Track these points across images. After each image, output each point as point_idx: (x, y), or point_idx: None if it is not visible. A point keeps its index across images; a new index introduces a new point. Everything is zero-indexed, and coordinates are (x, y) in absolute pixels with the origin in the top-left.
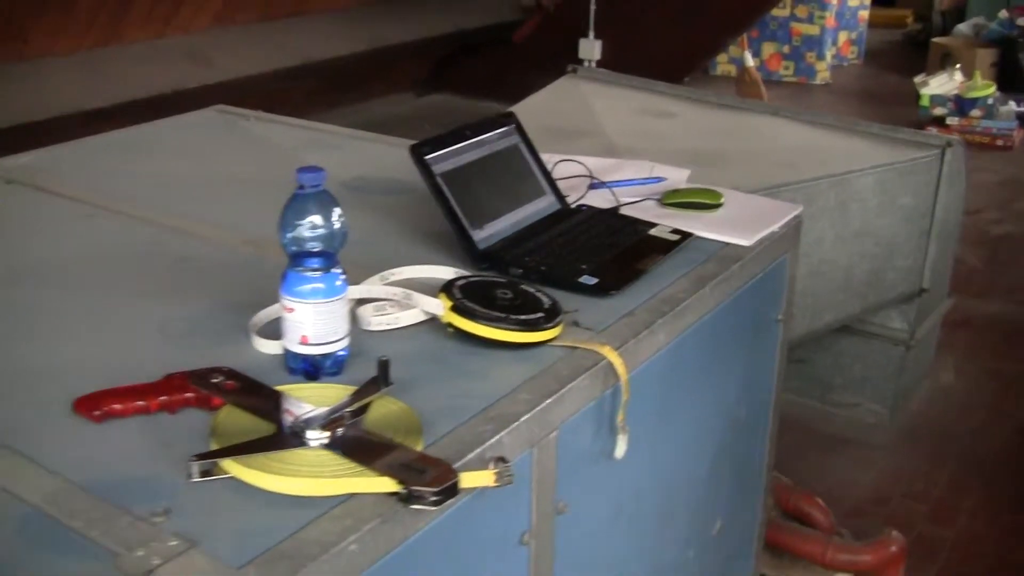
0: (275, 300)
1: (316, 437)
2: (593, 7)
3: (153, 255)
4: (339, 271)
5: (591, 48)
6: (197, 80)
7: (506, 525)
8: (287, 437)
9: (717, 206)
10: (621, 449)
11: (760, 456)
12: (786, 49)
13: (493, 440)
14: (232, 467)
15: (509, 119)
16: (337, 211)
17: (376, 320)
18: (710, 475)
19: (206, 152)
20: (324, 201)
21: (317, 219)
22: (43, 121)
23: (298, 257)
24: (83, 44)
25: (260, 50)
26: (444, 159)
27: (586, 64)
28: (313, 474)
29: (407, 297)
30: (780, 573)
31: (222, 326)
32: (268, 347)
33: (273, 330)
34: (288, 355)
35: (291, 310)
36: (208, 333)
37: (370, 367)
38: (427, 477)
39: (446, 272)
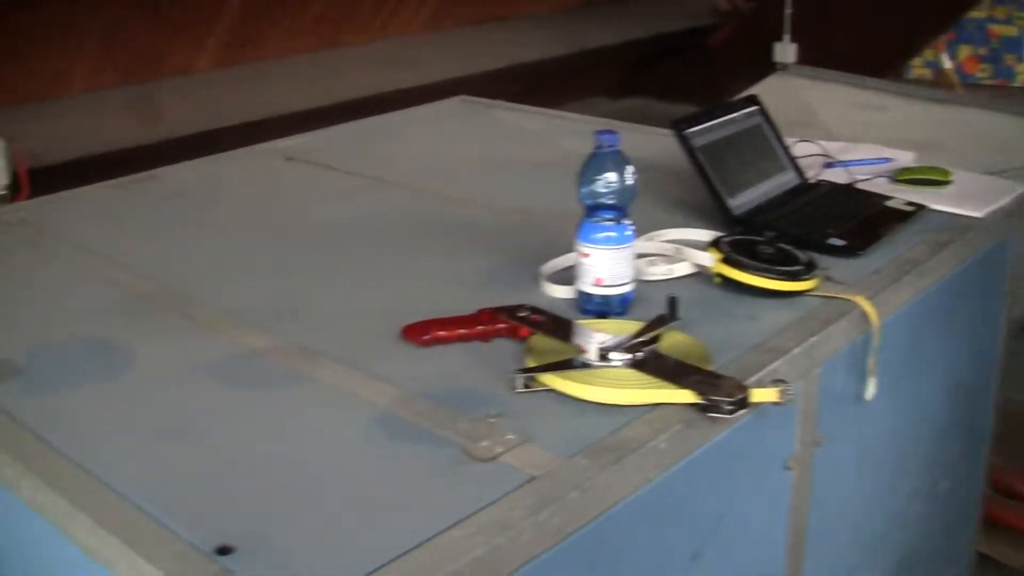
0: (556, 256)
1: (620, 357)
2: (788, 11)
3: (433, 221)
4: (629, 222)
5: (786, 51)
6: (410, 81)
7: (776, 449)
8: (596, 358)
9: (947, 183)
10: (871, 391)
11: (984, 423)
12: (983, 51)
13: (771, 367)
14: (551, 380)
15: (753, 101)
16: (629, 169)
17: (652, 271)
18: (940, 434)
19: (459, 135)
20: (618, 160)
21: (612, 176)
22: (275, 117)
23: (594, 209)
24: (308, 47)
25: (467, 53)
26: (700, 134)
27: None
28: (622, 386)
29: (679, 252)
30: (989, 547)
31: (511, 276)
32: (558, 291)
33: (560, 278)
34: (581, 296)
35: (586, 255)
36: (501, 281)
37: (648, 311)
38: (722, 390)
39: (704, 234)
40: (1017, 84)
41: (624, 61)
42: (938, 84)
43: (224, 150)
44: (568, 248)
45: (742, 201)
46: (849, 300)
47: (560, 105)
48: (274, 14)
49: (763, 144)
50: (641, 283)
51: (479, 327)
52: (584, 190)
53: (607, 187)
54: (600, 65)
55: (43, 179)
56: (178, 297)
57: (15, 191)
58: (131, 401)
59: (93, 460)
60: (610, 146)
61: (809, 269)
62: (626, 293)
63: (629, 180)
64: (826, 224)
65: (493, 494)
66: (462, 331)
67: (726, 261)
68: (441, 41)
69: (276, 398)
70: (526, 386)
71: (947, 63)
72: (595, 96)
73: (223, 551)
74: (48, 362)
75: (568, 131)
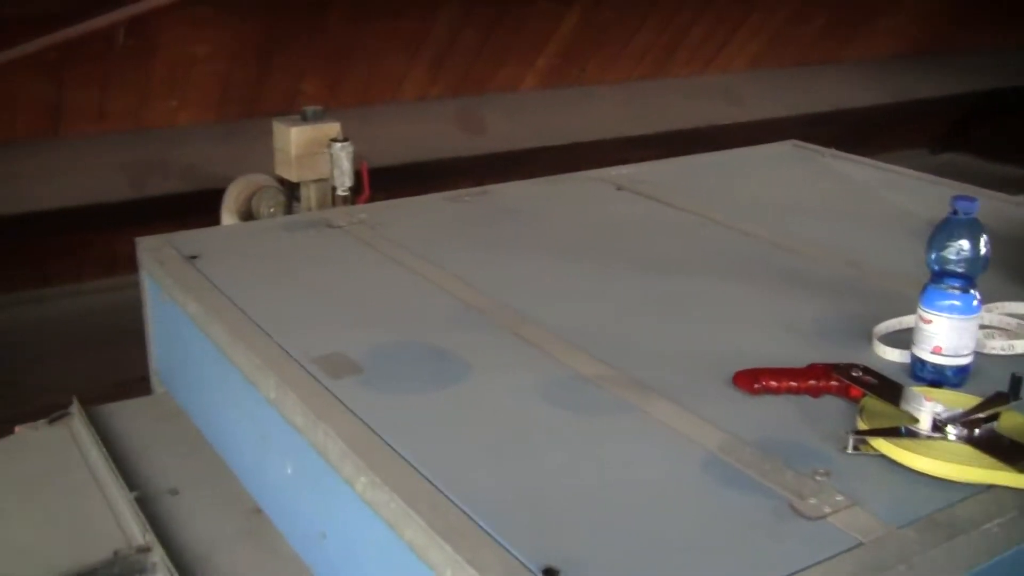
0: (887, 316)
1: (956, 432)
2: None
3: (762, 265)
4: (975, 292)
5: None
6: (730, 117)
7: None
8: (929, 428)
9: None
10: None
11: None
12: None
13: None
14: (882, 446)
15: None
16: (984, 238)
17: (991, 344)
18: None
19: (788, 181)
20: (974, 228)
21: (965, 244)
22: (594, 142)
23: (941, 275)
24: (633, 75)
25: (790, 94)
26: None
27: None
28: (958, 462)
29: (1022, 328)
30: None
31: (841, 331)
32: (891, 354)
33: (893, 339)
34: (916, 362)
35: (928, 321)
36: (831, 335)
37: (983, 385)
38: None
39: None
40: None
41: (949, 114)
42: None
43: (543, 169)
44: (901, 310)
45: None
46: None
47: (878, 154)
48: (603, 40)
49: None
50: (977, 355)
51: (810, 381)
52: (934, 255)
53: (959, 255)
54: (923, 116)
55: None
56: (509, 313)
57: (357, 192)
58: (465, 411)
59: (428, 465)
60: (967, 213)
61: None
62: (964, 364)
63: (983, 250)
64: None
65: (819, 555)
66: (793, 383)
67: None
68: (765, 80)
69: (605, 425)
70: (856, 448)
71: None
72: (914, 148)
73: (549, 572)
74: (386, 363)
75: (902, 186)
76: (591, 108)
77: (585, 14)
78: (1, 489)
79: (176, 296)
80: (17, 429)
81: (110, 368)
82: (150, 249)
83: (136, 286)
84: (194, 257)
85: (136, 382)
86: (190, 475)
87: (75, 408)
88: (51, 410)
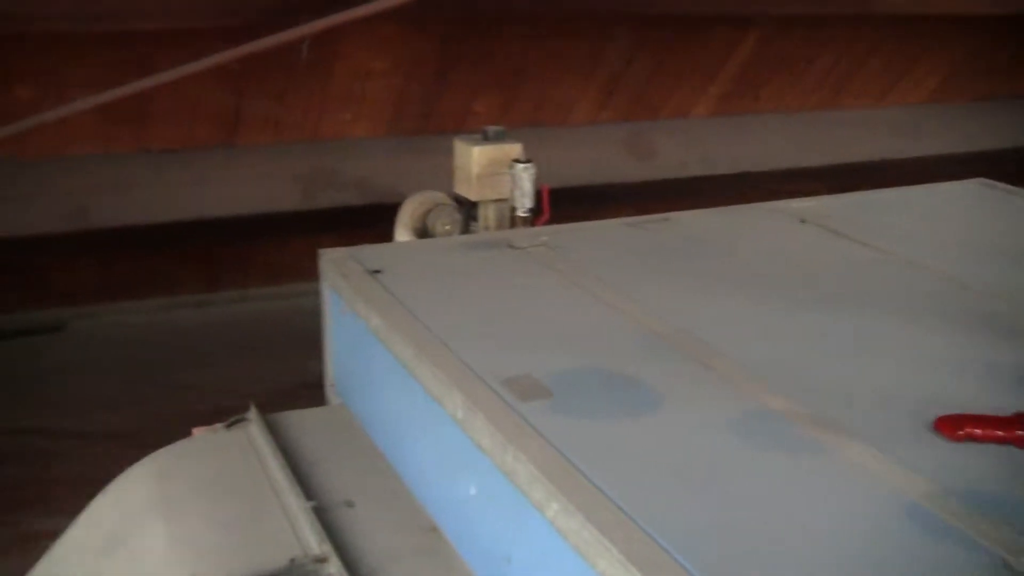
0: None
1: None
2: None
3: (954, 306)
4: None
5: None
6: (907, 152)
7: None
8: None
9: None
10: None
11: None
12: None
13: None
14: None
15: None
16: None
17: None
18: None
19: (976, 220)
20: None
21: None
22: (763, 172)
23: None
24: (806, 105)
25: (968, 129)
26: None
27: None
28: None
29: None
30: None
31: None
32: None
33: None
34: None
35: None
36: None
37: None
38: None
39: None
40: None
41: None
42: None
43: (711, 197)
44: None
45: None
46: None
47: None
48: (778, 69)
49: None
50: None
51: (1018, 431)
52: None
53: None
54: None
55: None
56: (696, 343)
57: (536, 214)
58: (659, 442)
59: (622, 494)
60: None
61: None
62: None
63: None
64: None
65: None
66: (1000, 433)
67: None
68: (943, 114)
69: (799, 465)
70: None
71: None
72: None
73: None
74: (575, 388)
75: None
76: (762, 137)
77: (762, 41)
78: (180, 490)
79: (359, 309)
80: (195, 431)
81: (273, 374)
82: (333, 261)
83: (301, 295)
84: (377, 271)
85: (299, 388)
86: (366, 488)
87: (252, 414)
88: (216, 413)
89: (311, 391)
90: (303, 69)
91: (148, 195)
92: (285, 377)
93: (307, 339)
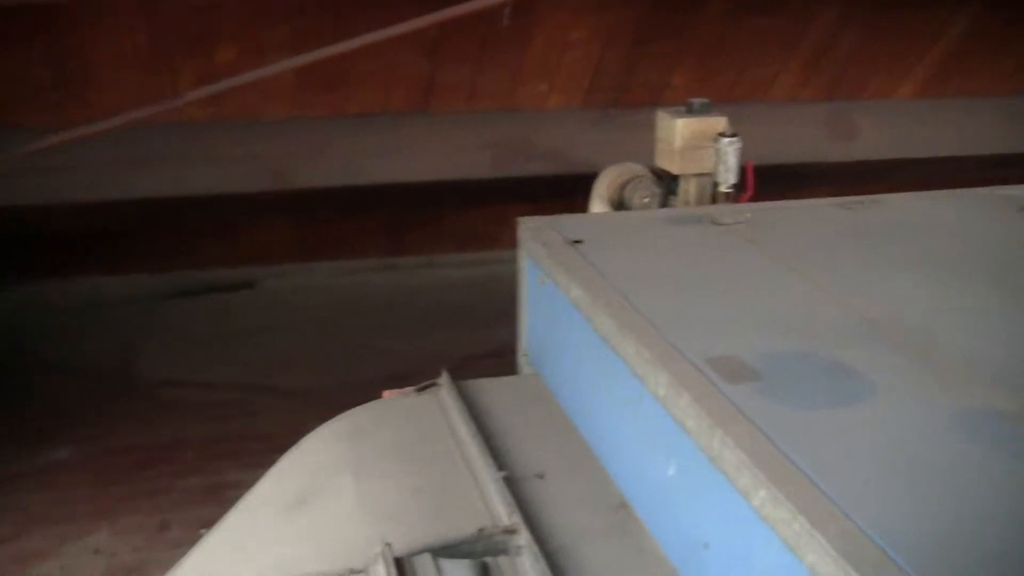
0: None
1: None
2: None
3: None
4: None
5: None
6: None
7: None
8: None
9: None
10: None
11: None
12: None
13: None
14: None
15: None
16: None
17: None
18: None
19: None
20: None
21: None
22: (969, 156)
23: None
24: (1018, 89)
25: None
26: None
27: None
28: None
29: None
30: None
31: None
32: None
33: None
34: None
35: None
36: None
37: None
38: None
39: None
40: None
41: None
42: None
43: (913, 181)
44: None
45: None
46: None
47: None
48: (989, 50)
49: None
50: None
51: None
52: None
53: None
54: None
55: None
56: (909, 331)
57: (740, 190)
58: (874, 434)
59: (835, 487)
60: None
61: None
62: None
63: None
64: None
65: None
66: None
67: None
68: None
69: None
70: None
71: None
72: None
73: None
74: (783, 371)
75: None
76: (968, 121)
77: (974, 22)
78: (370, 452)
79: (558, 280)
80: (385, 394)
81: (459, 341)
82: (533, 230)
83: (488, 263)
84: (578, 242)
85: (485, 356)
86: (557, 461)
87: (444, 380)
88: (401, 376)
89: (497, 359)
90: (500, 37)
91: (341, 159)
92: (471, 344)
93: (493, 307)
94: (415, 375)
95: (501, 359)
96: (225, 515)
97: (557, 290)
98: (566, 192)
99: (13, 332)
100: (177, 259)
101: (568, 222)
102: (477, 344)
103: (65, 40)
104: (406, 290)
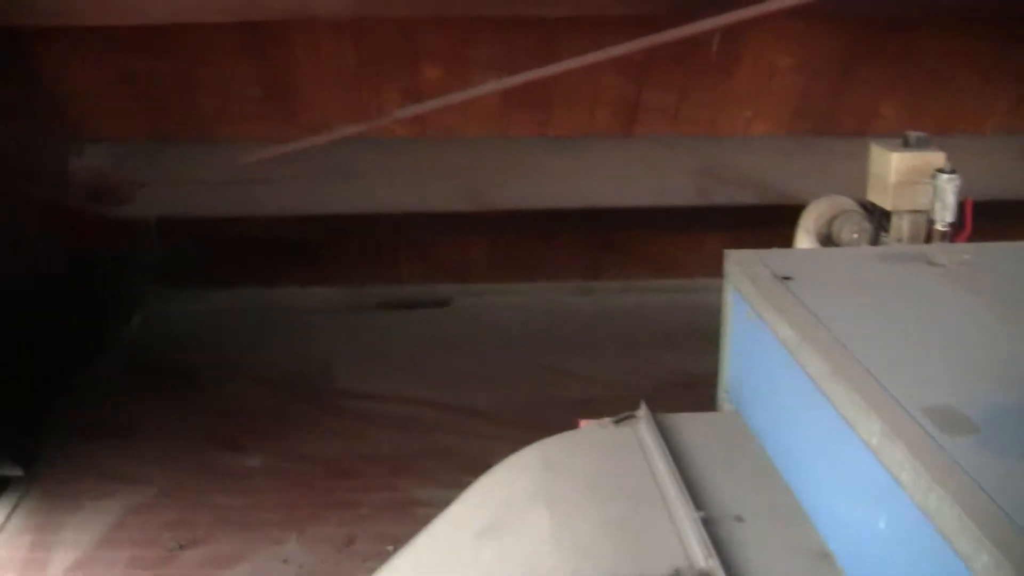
0: None
1: None
2: None
3: None
4: None
5: None
6: None
7: None
8: None
9: None
10: None
11: None
12: None
13: None
14: None
15: None
16: None
17: None
18: None
19: None
20: None
21: None
22: None
23: None
24: None
25: None
26: None
27: None
28: None
29: None
30: None
31: None
32: None
33: None
34: None
35: None
36: None
37: None
38: None
39: None
40: None
41: None
42: None
43: None
44: None
45: None
46: None
47: None
48: None
49: None
50: None
51: None
52: None
53: None
54: None
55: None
56: None
57: (957, 229)
58: None
59: None
60: None
61: None
62: None
63: None
64: None
65: None
66: None
67: None
68: None
69: None
70: None
71: None
72: None
73: None
74: (1004, 424)
75: None
76: None
77: None
78: (565, 483)
79: (766, 316)
80: (582, 423)
81: (650, 368)
82: (740, 263)
83: (684, 291)
84: (786, 278)
85: (677, 387)
86: (757, 503)
87: (642, 412)
88: (591, 401)
89: (690, 390)
90: (706, 62)
91: (541, 181)
92: (664, 373)
93: (688, 336)
94: (606, 401)
95: (694, 390)
96: (416, 536)
97: (764, 327)
98: (767, 221)
99: (214, 338)
100: (375, 273)
101: (777, 257)
102: (670, 373)
103: (276, 58)
104: (601, 314)
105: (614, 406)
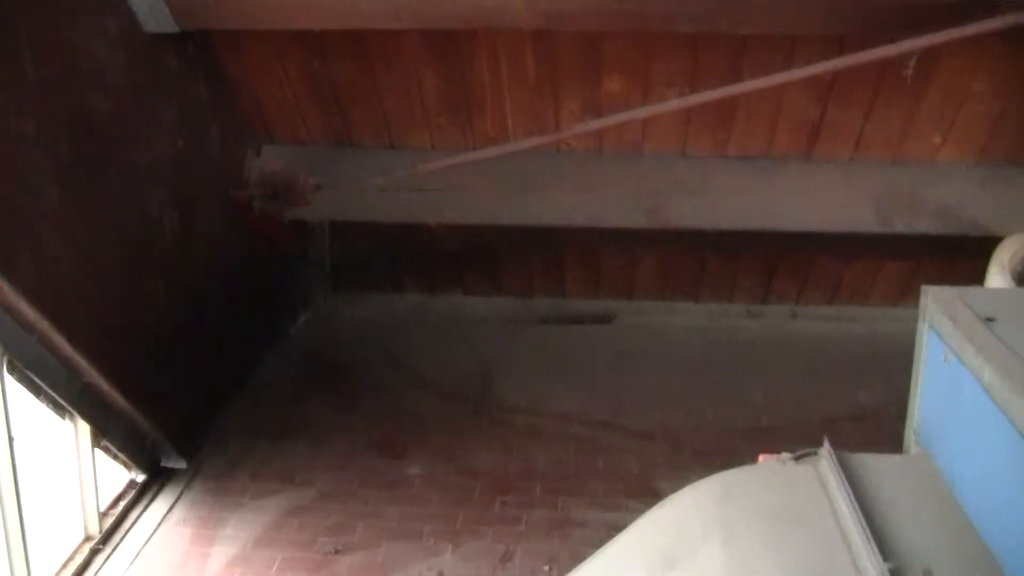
0: None
1: None
2: None
3: None
4: None
5: None
6: None
7: None
8: None
9: None
10: None
11: None
12: None
13: None
14: None
15: None
16: None
17: None
18: None
19: None
20: None
21: None
22: None
23: None
24: None
25: None
26: None
27: None
28: None
29: None
30: None
31: None
32: None
33: None
34: None
35: None
36: None
37: None
38: None
39: None
40: None
41: None
42: None
43: None
44: None
45: None
46: None
47: None
48: None
49: None
50: None
51: None
52: None
53: None
54: None
55: None
56: None
57: None
58: None
59: None
60: None
61: None
62: None
63: None
64: None
65: None
66: None
67: None
68: None
69: None
70: None
71: None
72: None
73: None
74: None
75: None
76: None
77: None
78: (744, 519)
79: (968, 359)
80: (760, 458)
81: (819, 398)
82: (939, 301)
83: (857, 320)
84: (990, 319)
85: (846, 421)
86: (948, 555)
87: (825, 450)
88: (759, 430)
89: (859, 424)
90: (895, 84)
91: (718, 199)
92: (832, 403)
93: (857, 366)
94: (776, 431)
95: (863, 423)
96: (583, 561)
97: (964, 370)
98: (948, 252)
99: (379, 342)
100: (541, 285)
101: (979, 296)
102: (839, 404)
103: (458, 65)
104: (769, 338)
105: (785, 436)
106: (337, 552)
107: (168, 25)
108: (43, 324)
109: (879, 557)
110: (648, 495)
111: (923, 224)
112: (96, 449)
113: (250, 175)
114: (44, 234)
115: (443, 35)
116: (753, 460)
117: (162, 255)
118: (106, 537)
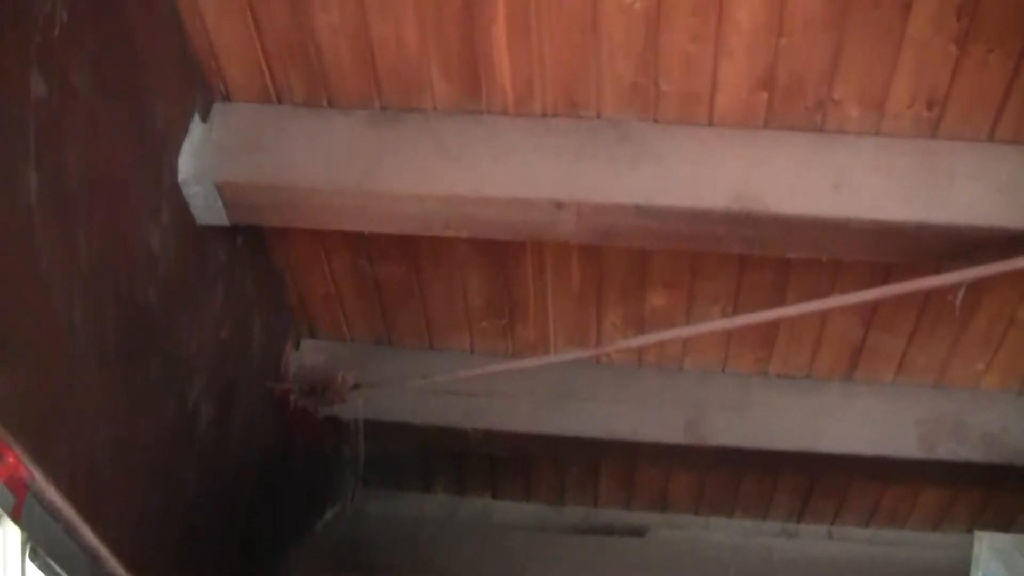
0: None
1: None
2: None
3: None
4: None
5: None
6: None
7: None
8: None
9: None
10: None
11: None
12: None
13: None
14: None
15: None
16: None
17: None
18: None
19: None
20: None
21: None
22: None
23: None
24: None
25: None
26: None
27: None
28: None
29: None
30: None
31: None
32: None
33: None
34: None
35: None
36: None
37: None
38: None
39: None
40: None
41: None
42: None
43: None
44: None
45: None
46: None
47: None
48: None
49: None
50: None
51: None
52: None
53: None
54: None
55: None
56: None
57: None
58: None
59: None
60: None
61: None
62: None
63: None
64: None
65: None
66: None
67: None
68: None
69: None
70: None
71: None
72: None
73: None
74: None
75: None
76: None
77: None
78: None
79: None
80: None
81: None
82: (995, 549)
83: (892, 544)
84: None
85: None
86: None
87: None
88: None
89: None
90: (942, 310)
91: (759, 418)
92: None
93: None
94: None
95: None
96: None
97: None
98: (988, 480)
99: (407, 542)
100: (575, 494)
101: None
102: None
103: (503, 273)
104: (804, 560)
105: None
106: None
107: (220, 218)
108: (69, 512)
109: None
110: None
111: (966, 451)
112: None
113: (288, 368)
114: (83, 426)
115: (491, 241)
116: None
117: (197, 445)
118: None
